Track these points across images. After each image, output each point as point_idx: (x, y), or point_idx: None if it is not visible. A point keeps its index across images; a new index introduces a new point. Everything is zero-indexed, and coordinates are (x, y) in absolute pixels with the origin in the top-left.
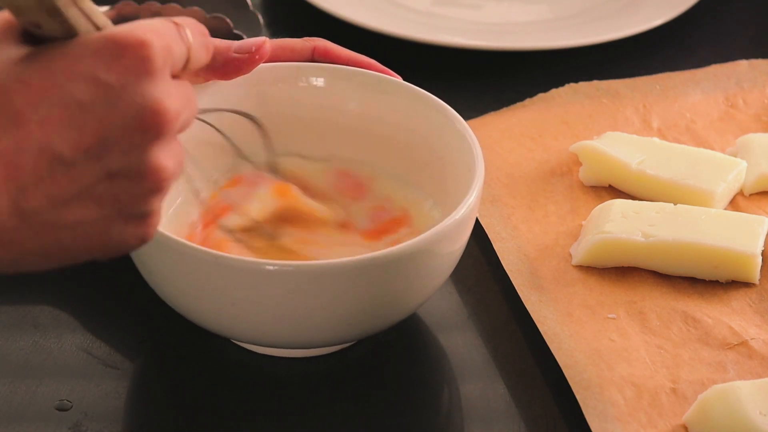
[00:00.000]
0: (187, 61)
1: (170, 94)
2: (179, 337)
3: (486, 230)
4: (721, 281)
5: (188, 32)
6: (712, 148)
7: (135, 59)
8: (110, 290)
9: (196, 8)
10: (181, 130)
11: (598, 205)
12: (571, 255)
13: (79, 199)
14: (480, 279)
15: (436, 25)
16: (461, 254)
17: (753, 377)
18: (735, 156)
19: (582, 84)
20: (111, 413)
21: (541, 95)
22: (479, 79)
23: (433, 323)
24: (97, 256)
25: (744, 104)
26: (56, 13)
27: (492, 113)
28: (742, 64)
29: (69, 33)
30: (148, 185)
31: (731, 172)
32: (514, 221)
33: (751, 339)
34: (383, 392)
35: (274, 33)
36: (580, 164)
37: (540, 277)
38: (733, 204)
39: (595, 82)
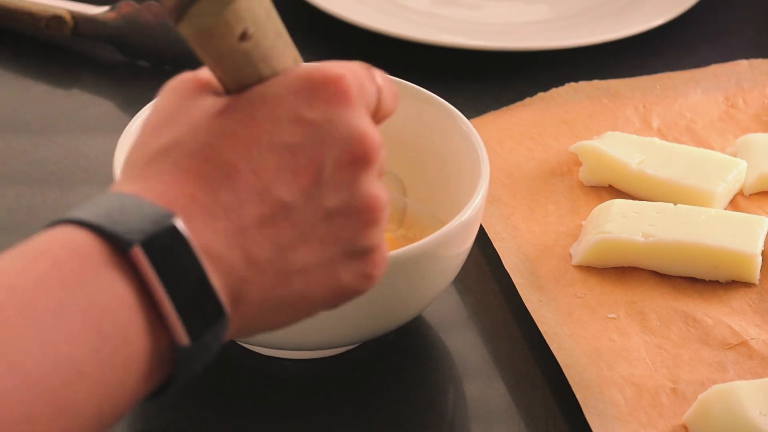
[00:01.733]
0: (378, 104)
1: (371, 126)
2: None
3: (486, 230)
4: (721, 281)
5: (378, 75)
6: (712, 148)
7: (334, 93)
8: None
9: None
10: (381, 170)
11: (598, 205)
12: (571, 255)
13: (304, 242)
14: (480, 279)
15: (436, 25)
16: (467, 256)
17: (753, 377)
18: (735, 156)
19: (582, 84)
20: None
21: (541, 95)
22: (479, 79)
23: (433, 323)
24: (331, 304)
25: (744, 104)
26: (261, 61)
27: (492, 113)
28: (742, 64)
29: (261, 78)
30: (365, 217)
31: (731, 172)
32: (514, 221)
33: (751, 339)
34: (384, 392)
35: None
36: (580, 164)
37: (540, 277)
38: (733, 204)
39: (595, 82)
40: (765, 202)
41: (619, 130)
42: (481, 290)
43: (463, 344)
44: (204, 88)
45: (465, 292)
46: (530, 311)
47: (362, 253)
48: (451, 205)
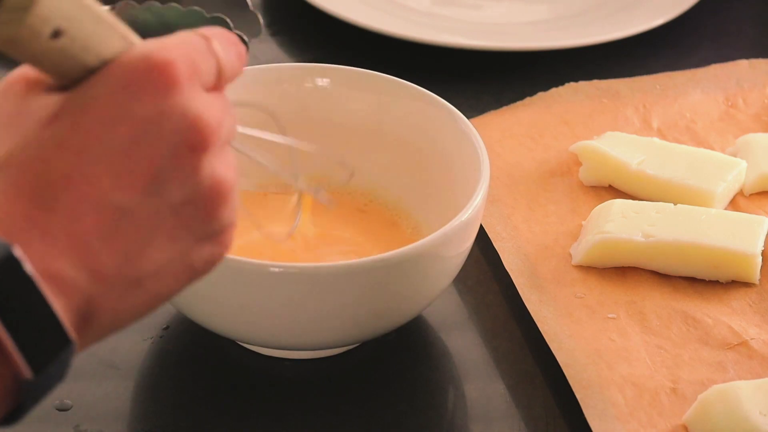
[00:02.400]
0: (220, 73)
1: (207, 106)
2: (181, 337)
3: (486, 230)
4: (721, 281)
5: (216, 44)
6: (712, 148)
7: (160, 82)
8: None
9: (196, 8)
10: (227, 142)
11: (598, 205)
12: (571, 255)
13: (152, 244)
14: (480, 279)
15: (436, 25)
16: (467, 256)
17: (753, 377)
18: (735, 156)
19: (582, 84)
20: (111, 413)
21: (541, 94)
22: (479, 79)
23: (433, 323)
24: (185, 287)
25: (744, 104)
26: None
27: (492, 112)
28: (742, 64)
29: (88, 68)
30: (213, 202)
31: (731, 172)
32: (514, 221)
33: (751, 339)
34: (384, 392)
35: (274, 33)
36: (580, 164)
37: (540, 277)
38: (733, 204)
39: (595, 82)
40: (765, 202)
41: (619, 130)
42: (481, 290)
43: (463, 344)
44: (34, 87)
45: (465, 292)
46: (530, 311)
47: (213, 235)
48: (451, 205)
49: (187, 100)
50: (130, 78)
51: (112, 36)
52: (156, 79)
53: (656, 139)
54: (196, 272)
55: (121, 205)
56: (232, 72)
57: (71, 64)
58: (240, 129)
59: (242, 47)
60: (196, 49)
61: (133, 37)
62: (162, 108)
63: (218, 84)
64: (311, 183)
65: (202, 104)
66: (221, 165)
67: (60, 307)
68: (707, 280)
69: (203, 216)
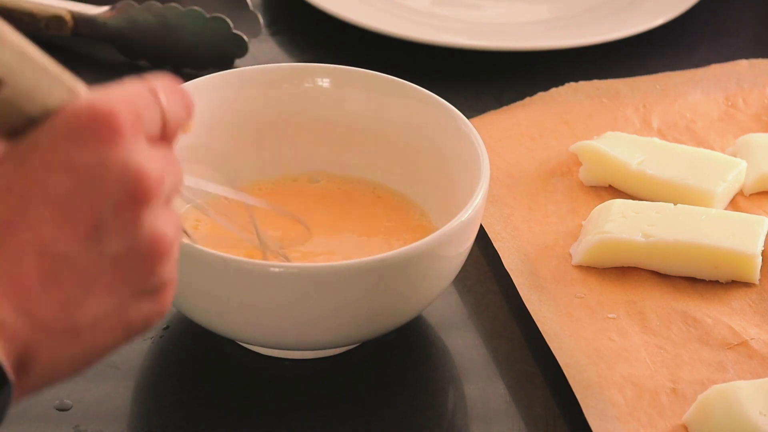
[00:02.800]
0: (165, 124)
1: (149, 158)
2: (180, 337)
3: (486, 230)
4: (721, 281)
5: (162, 96)
6: (712, 148)
7: (103, 132)
8: None
9: (196, 8)
10: (170, 197)
11: (598, 205)
12: (571, 255)
13: (90, 294)
14: (480, 279)
15: (436, 25)
16: (467, 256)
17: (753, 377)
18: (735, 156)
19: (582, 84)
20: (111, 413)
21: (541, 94)
22: (479, 79)
23: (433, 323)
24: (122, 344)
25: (744, 104)
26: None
27: (492, 112)
28: (742, 64)
29: (32, 119)
30: (152, 257)
31: (731, 172)
32: (514, 221)
33: (751, 339)
34: (384, 393)
35: (274, 33)
36: (580, 164)
37: (540, 277)
38: (733, 204)
39: (595, 82)
40: (765, 202)
41: (619, 130)
42: (481, 290)
43: (463, 344)
44: None
45: (465, 292)
46: (530, 311)
47: (152, 292)
48: (451, 205)
49: (129, 151)
50: (74, 127)
51: (56, 86)
52: (99, 129)
53: (656, 139)
54: (133, 329)
55: (62, 252)
56: (178, 122)
57: (15, 114)
58: (195, 183)
59: (189, 97)
60: (141, 99)
61: (80, 87)
62: (104, 158)
63: (164, 135)
64: (273, 242)
65: (144, 156)
66: (162, 220)
67: (0, 350)
68: (707, 280)
69: (141, 270)
